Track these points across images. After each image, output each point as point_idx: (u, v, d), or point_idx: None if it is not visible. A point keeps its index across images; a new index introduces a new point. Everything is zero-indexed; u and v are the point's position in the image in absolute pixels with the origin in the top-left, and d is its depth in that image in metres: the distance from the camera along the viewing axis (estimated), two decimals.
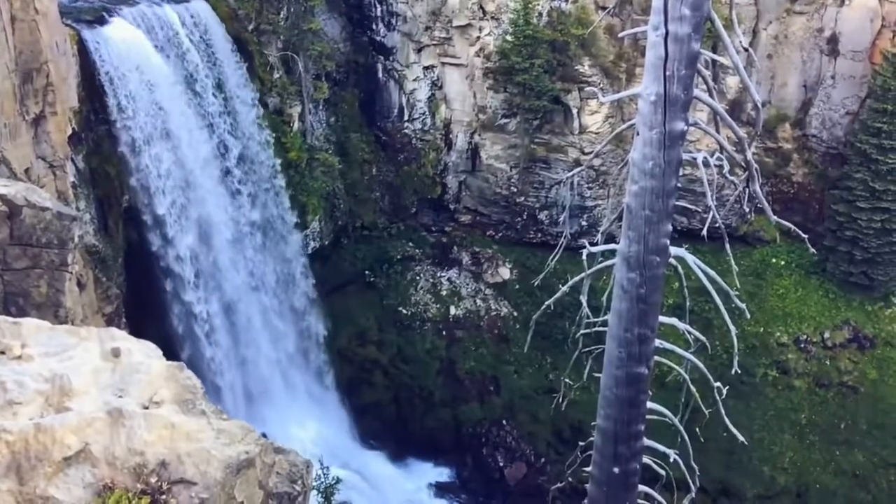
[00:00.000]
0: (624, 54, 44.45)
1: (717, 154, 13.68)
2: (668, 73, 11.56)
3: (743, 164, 13.10)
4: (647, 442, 15.07)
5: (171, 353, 10.51)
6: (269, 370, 40.67)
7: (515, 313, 47.39)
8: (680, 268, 14.02)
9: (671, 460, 15.84)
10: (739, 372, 15.95)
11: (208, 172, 36.30)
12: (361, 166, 47.66)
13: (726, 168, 13.81)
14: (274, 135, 40.16)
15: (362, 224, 48.07)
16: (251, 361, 39.66)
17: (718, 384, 14.93)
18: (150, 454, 8.43)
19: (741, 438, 16.18)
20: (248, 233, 39.03)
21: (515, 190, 48.14)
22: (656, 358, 14.52)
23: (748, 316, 17.42)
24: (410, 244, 49.35)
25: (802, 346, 45.69)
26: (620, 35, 38.44)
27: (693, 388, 15.19)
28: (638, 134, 12.36)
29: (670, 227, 12.95)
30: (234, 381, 38.48)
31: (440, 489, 43.23)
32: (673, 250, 13.34)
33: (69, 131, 27.66)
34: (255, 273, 39.73)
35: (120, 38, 30.82)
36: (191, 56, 34.55)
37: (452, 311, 47.36)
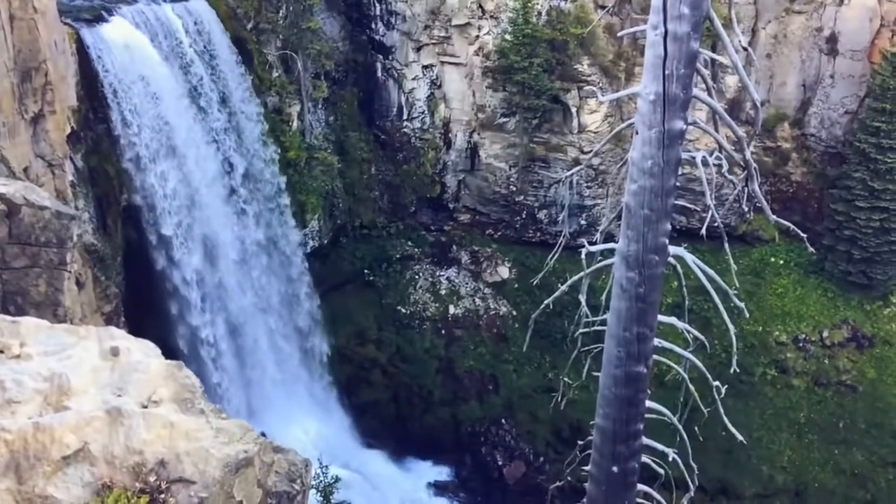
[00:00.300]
0: (623, 53, 44.45)
1: (716, 153, 13.68)
2: (667, 72, 11.56)
3: (742, 163, 13.10)
4: (645, 441, 15.08)
5: (171, 357, 10.48)
6: (273, 387, 40.59)
7: (514, 312, 47.40)
8: (679, 267, 14.02)
9: (670, 459, 15.85)
10: (738, 371, 15.96)
11: (214, 191, 35.68)
12: (360, 165, 47.64)
13: (725, 167, 13.82)
14: (279, 151, 39.69)
15: (361, 223, 48.07)
16: (256, 383, 39.56)
17: (717, 383, 14.94)
18: (149, 453, 8.43)
19: (740, 437, 16.18)
20: (253, 252, 38.61)
21: (514, 189, 48.15)
22: (655, 357, 14.52)
23: (747, 315, 17.43)
24: (409, 243, 49.35)
25: (801, 345, 45.72)
26: (619, 34, 38.48)
27: (692, 387, 15.20)
28: (637, 133, 12.35)
29: (669, 226, 12.95)
30: (237, 386, 38.40)
31: (439, 488, 43.23)
32: (672, 249, 13.35)
33: (68, 130, 27.61)
34: (261, 293, 39.37)
35: (122, 44, 29.99)
36: (195, 68, 33.64)
37: (451, 310, 47.35)
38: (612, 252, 13.77)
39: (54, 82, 25.87)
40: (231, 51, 36.66)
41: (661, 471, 16.07)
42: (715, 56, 13.33)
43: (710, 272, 13.94)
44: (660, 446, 15.62)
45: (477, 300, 47.79)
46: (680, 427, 15.62)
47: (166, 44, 32.35)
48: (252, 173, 38.14)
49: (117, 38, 30.05)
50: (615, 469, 14.76)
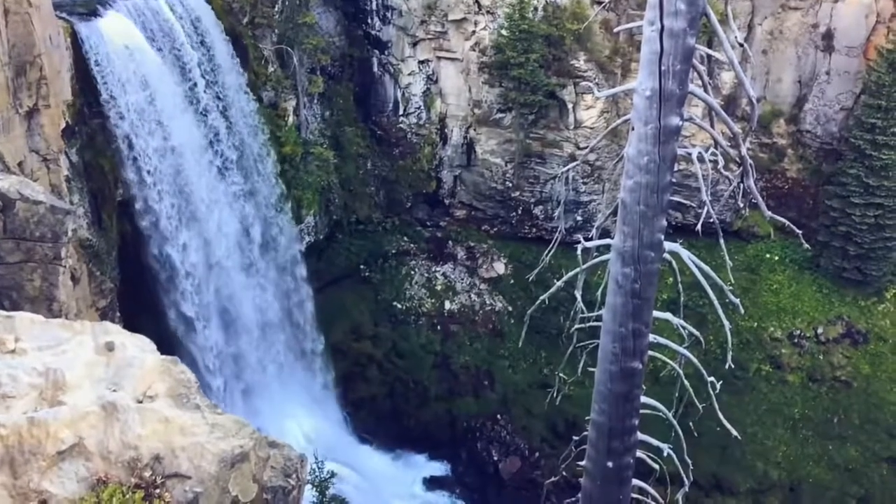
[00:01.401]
0: (619, 49, 44.43)
1: (712, 149, 13.70)
2: (663, 69, 11.56)
3: (737, 159, 13.11)
4: (640, 436, 15.11)
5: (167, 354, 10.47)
6: (269, 382, 40.70)
7: (510, 308, 47.43)
8: (674, 263, 14.04)
9: (665, 454, 15.89)
10: (733, 367, 16.03)
11: (234, 260, 35.73)
12: (356, 160, 47.57)
13: (721, 163, 13.85)
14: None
15: (357, 218, 48.03)
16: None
17: (712, 379, 14.96)
18: (144, 448, 8.43)
19: (734, 433, 16.21)
20: (272, 318, 39.00)
21: (510, 185, 48.14)
22: (650, 353, 14.55)
23: (742, 311, 17.46)
24: (405, 239, 49.33)
25: (796, 341, 45.84)
26: (616, 30, 38.39)
27: (687, 383, 15.22)
28: (633, 129, 12.36)
29: (665, 223, 12.97)
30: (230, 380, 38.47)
31: (434, 483, 43.30)
32: (667, 245, 13.37)
33: (63, 125, 27.52)
34: (277, 355, 39.74)
35: (134, 73, 29.36)
36: (190, 62, 32.86)
37: (447, 305, 47.37)
38: (607, 248, 13.79)
39: (49, 77, 25.78)
40: (246, 91, 36.56)
41: (656, 466, 16.10)
42: (711, 52, 13.33)
43: (706, 268, 13.97)
44: (655, 441, 15.66)
45: (473, 296, 47.80)
46: (675, 422, 15.67)
47: (164, 42, 31.92)
48: (268, 240, 38.23)
49: (114, 35, 29.69)
50: (610, 464, 14.81)
